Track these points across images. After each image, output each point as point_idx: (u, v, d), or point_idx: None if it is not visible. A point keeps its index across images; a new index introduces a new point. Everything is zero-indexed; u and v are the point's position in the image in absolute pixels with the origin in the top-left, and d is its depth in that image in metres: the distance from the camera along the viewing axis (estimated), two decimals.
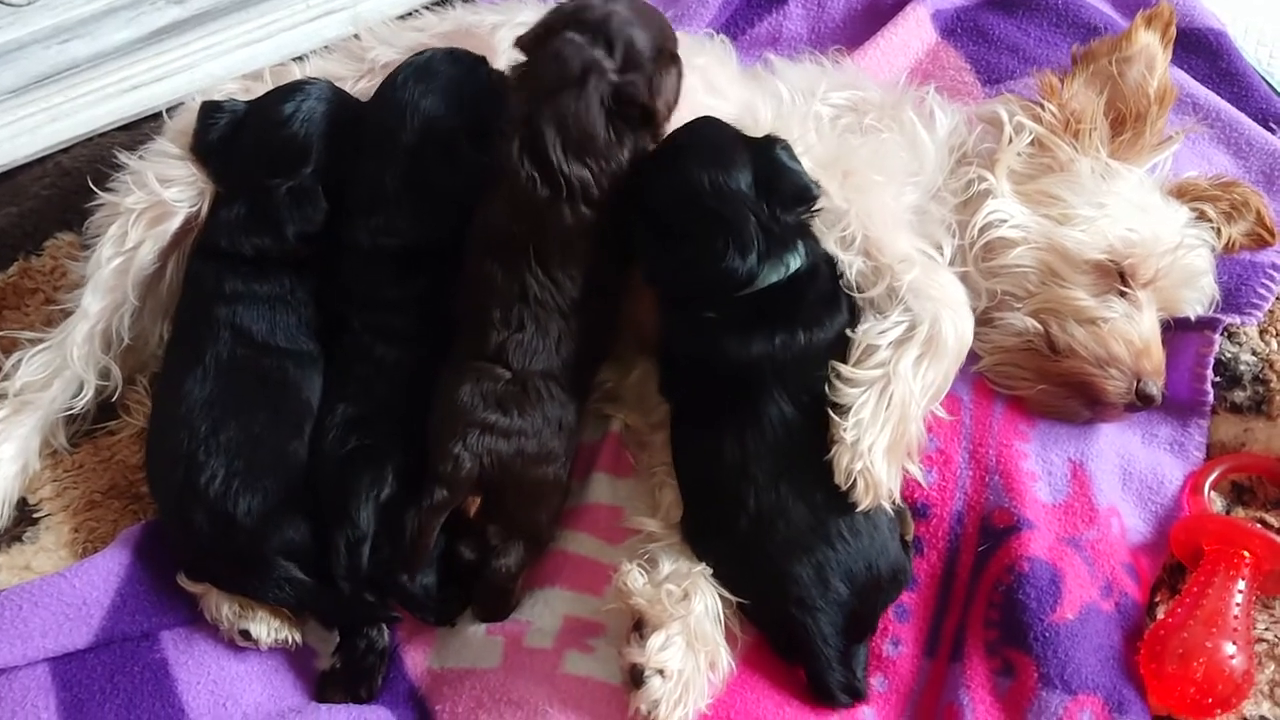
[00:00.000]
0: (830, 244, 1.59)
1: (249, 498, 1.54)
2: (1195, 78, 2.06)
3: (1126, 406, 1.65)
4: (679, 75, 1.59)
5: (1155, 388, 1.63)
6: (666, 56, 1.57)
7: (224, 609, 1.56)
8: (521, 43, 1.58)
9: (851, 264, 1.58)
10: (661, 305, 1.60)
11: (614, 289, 1.62)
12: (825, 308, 1.55)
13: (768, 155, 1.55)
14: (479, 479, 1.50)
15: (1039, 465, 1.63)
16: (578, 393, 1.60)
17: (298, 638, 1.59)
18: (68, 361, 1.71)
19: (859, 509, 1.48)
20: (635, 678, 1.44)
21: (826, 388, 1.51)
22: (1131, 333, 1.64)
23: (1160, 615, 1.57)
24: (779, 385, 1.51)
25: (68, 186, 1.99)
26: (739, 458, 1.50)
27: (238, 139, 1.71)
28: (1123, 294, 1.66)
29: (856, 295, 1.58)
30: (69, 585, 1.55)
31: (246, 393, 1.61)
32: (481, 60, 1.70)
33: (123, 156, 1.80)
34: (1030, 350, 1.67)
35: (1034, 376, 1.66)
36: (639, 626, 1.47)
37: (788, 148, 1.56)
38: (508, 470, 1.51)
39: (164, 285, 1.77)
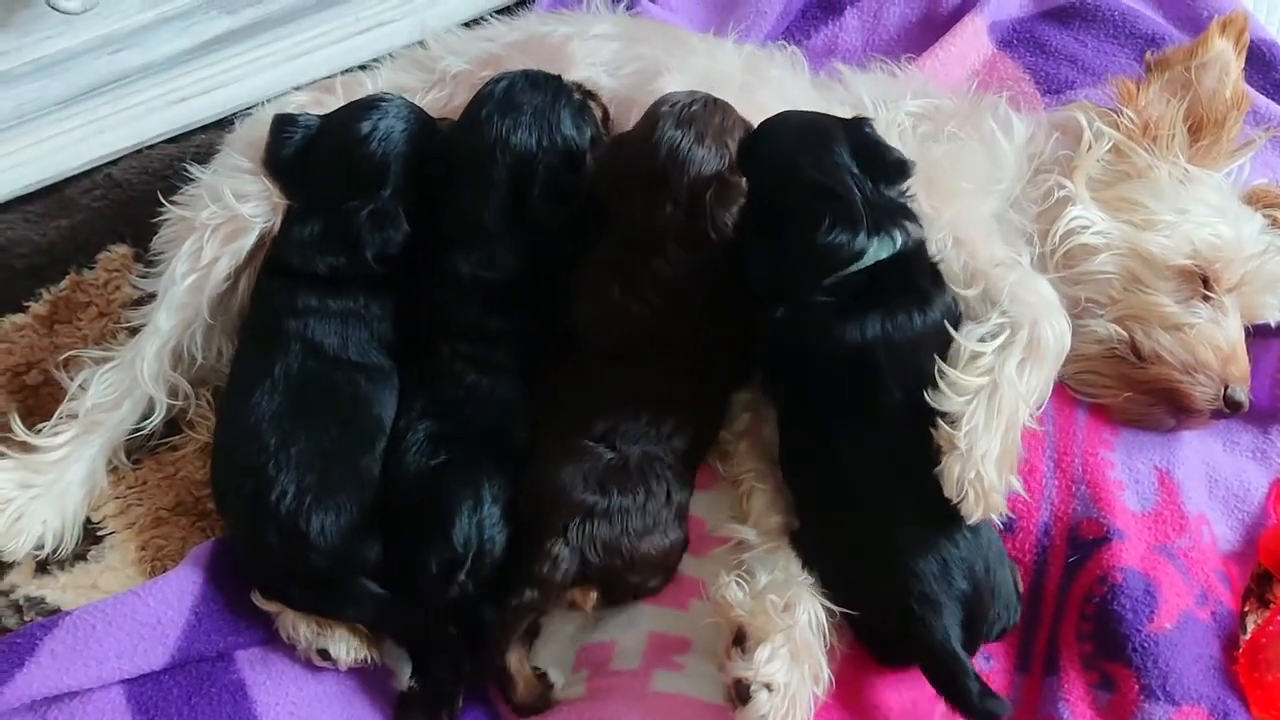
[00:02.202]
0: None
1: (322, 515, 1.50)
2: (1252, 87, 2.07)
3: (1213, 414, 1.63)
4: (743, 186, 1.55)
5: (1243, 394, 1.62)
6: (728, 180, 1.54)
7: (301, 628, 1.51)
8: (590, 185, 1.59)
9: (953, 261, 1.57)
10: (764, 303, 1.56)
11: (728, 377, 1.63)
12: (933, 286, 1.53)
13: (862, 132, 1.54)
14: (583, 570, 1.46)
15: (1125, 474, 1.61)
16: (686, 475, 1.58)
17: (376, 657, 1.54)
18: (138, 380, 1.66)
19: (970, 521, 1.43)
20: (740, 693, 1.40)
21: (929, 394, 1.47)
22: (1218, 338, 1.63)
23: (1250, 625, 1.55)
24: (893, 372, 1.48)
25: (119, 198, 1.96)
26: (858, 452, 1.47)
27: (312, 156, 1.67)
28: (1207, 299, 1.65)
29: (960, 293, 1.56)
30: (143, 604, 1.49)
31: (317, 406, 1.57)
32: (560, 81, 1.66)
33: (194, 170, 1.76)
34: (1114, 357, 1.65)
35: (1118, 384, 1.64)
36: (739, 640, 1.43)
37: (874, 127, 1.55)
38: (616, 553, 1.47)
39: (235, 302, 1.72)
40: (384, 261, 1.62)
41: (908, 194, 1.56)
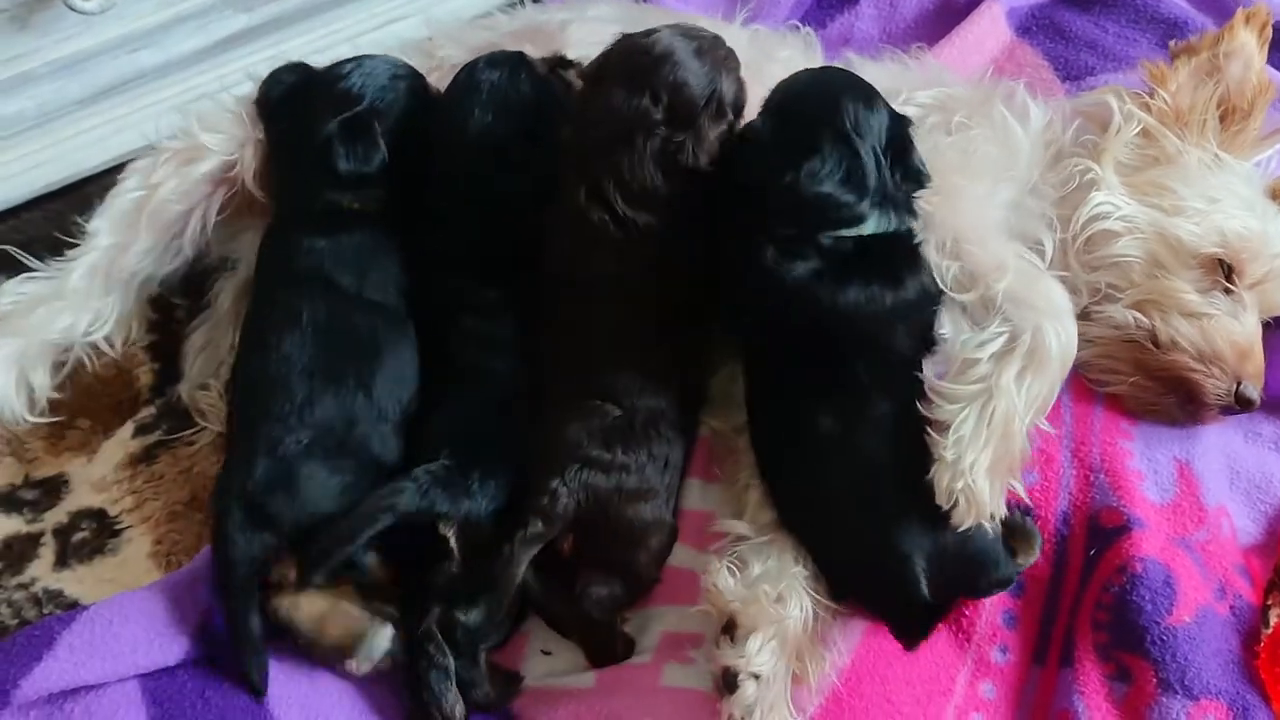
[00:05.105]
0: (927, 250, 1.55)
1: (319, 469, 1.47)
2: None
3: (1223, 409, 1.61)
4: (731, 124, 1.57)
5: (1255, 392, 1.59)
6: (717, 107, 1.55)
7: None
8: (582, 74, 1.59)
9: (949, 268, 1.54)
10: (746, 243, 1.53)
11: (704, 313, 1.61)
12: (909, 270, 1.51)
13: (904, 126, 1.54)
14: (575, 515, 1.47)
15: (1145, 464, 1.59)
16: (684, 430, 1.58)
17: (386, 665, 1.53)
18: (61, 291, 1.64)
19: (960, 529, 1.41)
20: (728, 682, 1.40)
21: (921, 404, 1.45)
22: (1236, 332, 1.60)
23: (1273, 618, 1.52)
24: (858, 345, 1.47)
25: None
26: (818, 422, 1.46)
27: (299, 100, 1.68)
28: (1228, 292, 1.62)
29: (955, 298, 1.54)
30: (159, 599, 1.50)
31: (343, 363, 1.53)
32: (520, 57, 1.67)
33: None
34: (1129, 343, 1.62)
35: (1130, 370, 1.62)
36: (729, 629, 1.43)
37: (914, 130, 1.55)
38: (603, 507, 1.48)
39: (187, 234, 1.71)
40: (360, 183, 1.60)
41: (915, 194, 1.54)
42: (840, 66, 1.59)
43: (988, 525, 1.43)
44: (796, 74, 1.59)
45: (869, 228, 1.49)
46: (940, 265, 1.54)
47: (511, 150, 1.61)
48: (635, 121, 1.52)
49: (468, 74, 1.65)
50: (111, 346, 1.72)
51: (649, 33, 1.57)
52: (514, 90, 1.63)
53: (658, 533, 1.53)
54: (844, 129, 1.49)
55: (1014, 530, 1.50)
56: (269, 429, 1.48)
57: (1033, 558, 1.51)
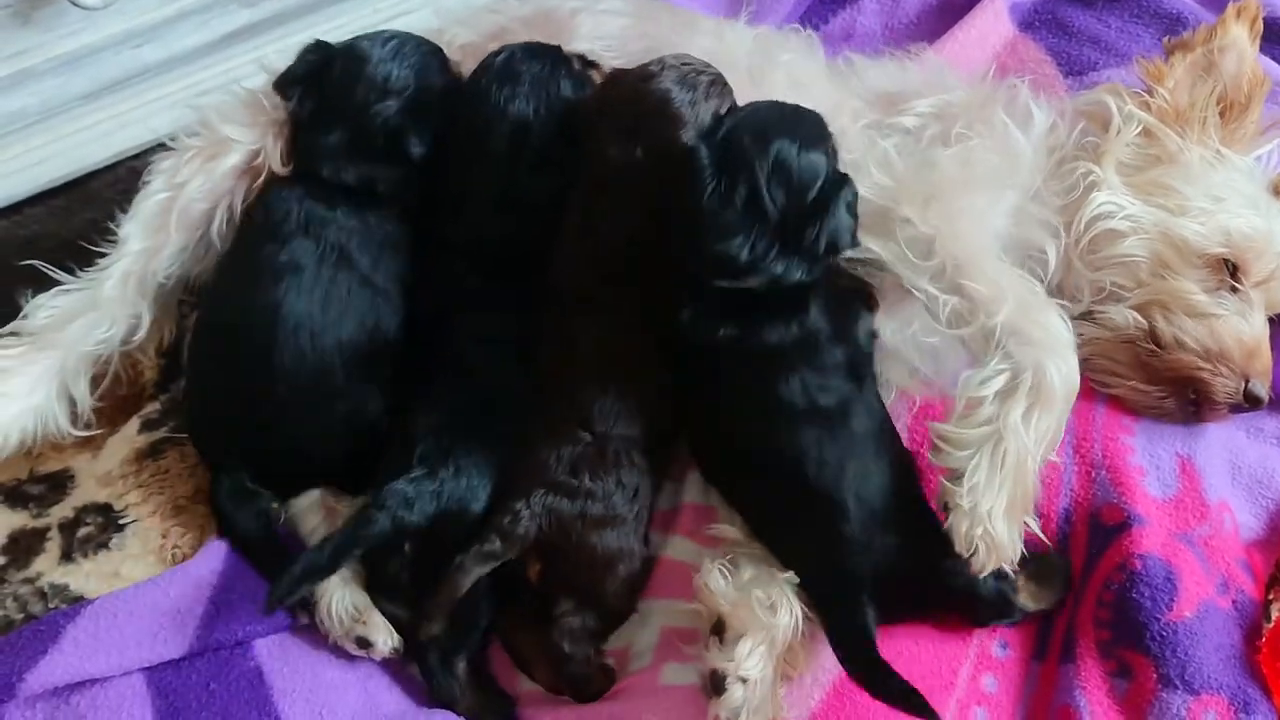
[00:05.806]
0: (923, 280, 1.52)
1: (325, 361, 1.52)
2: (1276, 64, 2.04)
3: (1231, 408, 1.61)
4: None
5: (1263, 390, 1.60)
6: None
7: (342, 613, 1.51)
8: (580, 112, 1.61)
9: (946, 303, 1.51)
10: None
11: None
12: (771, 319, 1.50)
13: (839, 189, 1.49)
14: (537, 539, 1.47)
15: (1146, 460, 1.59)
16: (655, 463, 1.57)
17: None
18: (96, 300, 1.64)
19: (981, 575, 1.40)
20: (715, 684, 1.40)
21: (931, 454, 1.43)
22: (1244, 331, 1.60)
23: (1275, 613, 1.52)
24: (738, 379, 1.50)
25: None
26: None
27: (327, 75, 1.67)
28: (1234, 290, 1.62)
29: (950, 333, 1.52)
30: (163, 594, 1.52)
31: (345, 315, 1.56)
32: (559, 51, 1.67)
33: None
34: (1128, 345, 1.63)
35: (1127, 371, 1.62)
36: (718, 630, 1.43)
37: (856, 196, 1.51)
38: (566, 532, 1.48)
39: (212, 230, 1.71)
40: (426, 161, 1.61)
41: (831, 255, 1.51)
42: (799, 105, 1.55)
43: (1009, 569, 1.42)
44: (752, 107, 1.55)
45: (755, 282, 1.48)
46: (938, 298, 1.51)
47: (544, 150, 1.61)
48: (624, 168, 1.54)
49: (505, 62, 1.64)
50: (145, 354, 1.73)
51: (648, 76, 1.57)
52: (555, 87, 1.63)
53: (625, 561, 1.52)
54: (761, 184, 1.47)
55: (1042, 567, 1.50)
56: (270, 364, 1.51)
57: (1045, 603, 1.50)
